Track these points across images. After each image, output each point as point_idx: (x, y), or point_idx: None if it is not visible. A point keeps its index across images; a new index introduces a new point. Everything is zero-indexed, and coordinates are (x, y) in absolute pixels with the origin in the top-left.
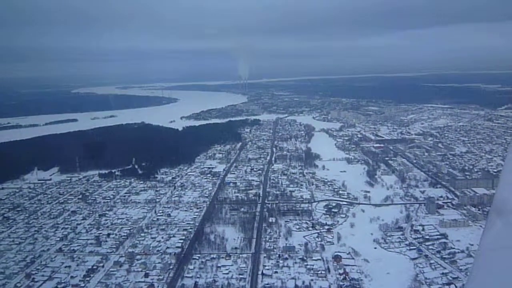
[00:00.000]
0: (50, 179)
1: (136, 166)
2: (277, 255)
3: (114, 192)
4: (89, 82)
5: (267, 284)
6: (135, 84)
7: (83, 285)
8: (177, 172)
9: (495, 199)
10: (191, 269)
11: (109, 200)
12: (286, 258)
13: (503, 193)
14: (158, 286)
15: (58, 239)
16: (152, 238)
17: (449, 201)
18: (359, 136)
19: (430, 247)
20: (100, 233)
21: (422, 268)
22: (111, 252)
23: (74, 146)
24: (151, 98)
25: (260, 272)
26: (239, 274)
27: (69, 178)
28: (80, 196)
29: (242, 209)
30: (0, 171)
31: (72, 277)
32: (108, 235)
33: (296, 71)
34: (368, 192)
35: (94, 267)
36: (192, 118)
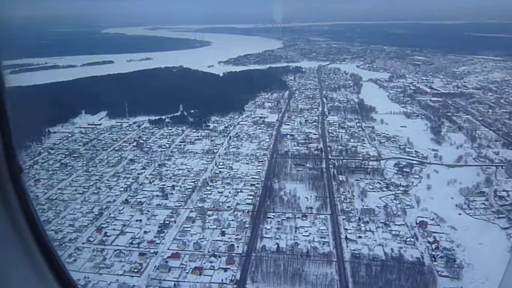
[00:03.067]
0: (100, 124)
1: (185, 113)
2: (357, 218)
3: (168, 141)
4: (117, 22)
5: (354, 250)
6: (163, 25)
7: (158, 241)
8: (228, 121)
9: None
10: (268, 229)
11: (165, 149)
12: (367, 222)
13: None
14: (237, 246)
15: (122, 189)
16: (219, 192)
17: None
18: (412, 88)
19: None
20: (164, 185)
21: None
22: (179, 206)
23: (117, 89)
24: (183, 41)
25: (343, 236)
26: (321, 237)
27: (119, 124)
28: (134, 144)
29: (307, 165)
30: (49, 114)
31: (145, 232)
32: (173, 187)
33: (327, 15)
34: (437, 150)
35: (166, 222)
36: (230, 63)
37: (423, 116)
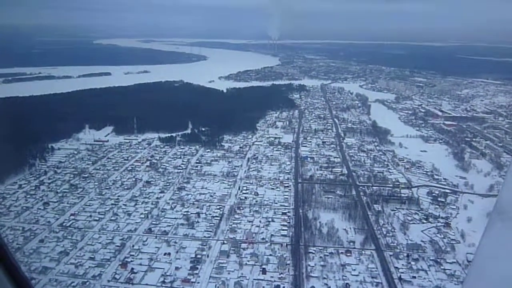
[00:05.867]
0: (108, 141)
1: (196, 131)
2: (405, 255)
3: (183, 161)
4: (109, 34)
5: None
6: (156, 38)
7: (194, 280)
8: (242, 140)
9: (497, 201)
10: (312, 266)
11: (181, 170)
12: (417, 259)
13: (507, 195)
14: (283, 287)
15: (143, 216)
16: (249, 221)
17: None
18: (422, 110)
19: None
20: (188, 211)
21: None
22: (209, 237)
23: (120, 103)
24: (179, 54)
25: (396, 277)
26: (372, 277)
27: (127, 141)
28: (148, 163)
29: (337, 192)
30: (51, 128)
31: (176, 268)
32: (198, 214)
33: (320, 33)
34: (465, 178)
35: (198, 256)
36: (231, 79)
37: (441, 141)
